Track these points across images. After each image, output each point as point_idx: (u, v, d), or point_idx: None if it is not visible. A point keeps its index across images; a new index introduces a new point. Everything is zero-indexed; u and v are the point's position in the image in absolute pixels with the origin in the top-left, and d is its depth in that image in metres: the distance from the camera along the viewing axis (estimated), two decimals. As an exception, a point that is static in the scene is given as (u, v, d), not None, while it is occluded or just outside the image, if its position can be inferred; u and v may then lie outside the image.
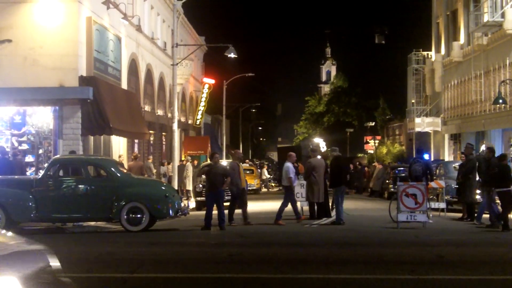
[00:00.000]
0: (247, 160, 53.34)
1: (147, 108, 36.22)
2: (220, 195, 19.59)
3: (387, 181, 35.48)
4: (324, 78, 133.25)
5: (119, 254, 13.84)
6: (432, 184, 22.28)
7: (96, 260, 12.88)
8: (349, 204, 25.25)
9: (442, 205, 22.88)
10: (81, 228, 20.28)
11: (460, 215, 21.68)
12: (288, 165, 21.12)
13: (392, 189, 31.39)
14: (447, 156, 45.41)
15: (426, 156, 25.57)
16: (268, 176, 56.83)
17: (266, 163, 66.07)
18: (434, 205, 22.41)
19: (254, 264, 12.07)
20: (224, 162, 31.87)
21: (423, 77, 54.40)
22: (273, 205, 23.85)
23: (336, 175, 20.53)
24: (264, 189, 51.00)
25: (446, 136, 47.29)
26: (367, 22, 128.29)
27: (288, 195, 20.83)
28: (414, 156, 41.15)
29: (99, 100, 24.41)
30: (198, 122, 53.14)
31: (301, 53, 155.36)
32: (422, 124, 50.19)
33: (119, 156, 26.50)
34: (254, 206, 26.59)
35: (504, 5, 34.40)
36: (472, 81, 39.68)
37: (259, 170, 51.90)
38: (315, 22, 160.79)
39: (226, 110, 59.26)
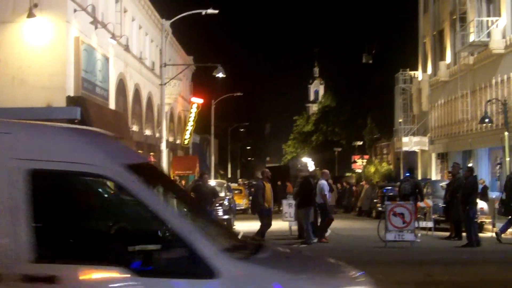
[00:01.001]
0: (240, 180, 53.23)
1: (135, 128, 36.16)
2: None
3: (375, 200, 35.51)
4: (312, 97, 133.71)
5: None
6: (420, 203, 22.34)
7: None
8: (337, 224, 25.20)
9: (430, 224, 22.90)
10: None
11: (447, 233, 21.71)
12: (323, 182, 21.02)
13: (380, 208, 31.38)
14: (434, 175, 45.55)
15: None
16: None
17: (255, 182, 65.98)
18: (421, 224, 22.44)
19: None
20: (213, 182, 31.87)
21: (410, 97, 54.64)
22: (277, 224, 23.76)
23: (305, 196, 20.58)
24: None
25: (433, 155, 47.45)
26: (354, 42, 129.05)
27: (323, 213, 20.68)
28: (402, 175, 41.27)
29: (86, 120, 24.33)
30: (186, 142, 53.08)
31: (289, 73, 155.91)
32: (410, 143, 50.37)
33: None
34: (244, 226, 26.53)
35: (490, 25, 34.72)
36: (458, 101, 39.91)
37: (247, 190, 51.83)
38: (303, 42, 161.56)
39: (214, 129, 59.25)
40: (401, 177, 39.87)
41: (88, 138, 5.97)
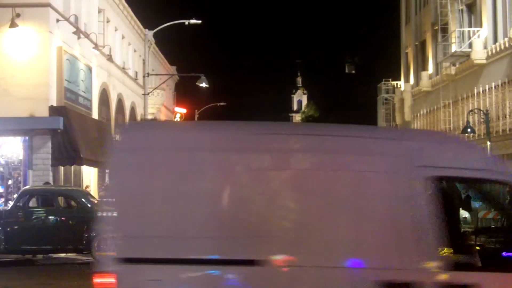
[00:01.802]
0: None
1: (118, 138, 36.00)
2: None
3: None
4: (295, 107, 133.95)
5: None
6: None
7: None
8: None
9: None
10: (51, 260, 20.01)
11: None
12: None
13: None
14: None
15: None
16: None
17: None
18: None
19: None
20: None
21: (393, 107, 54.91)
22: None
23: None
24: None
25: (416, 165, 47.65)
26: (337, 52, 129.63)
27: None
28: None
29: (69, 130, 24.28)
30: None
31: (272, 82, 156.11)
32: (393, 152, 50.49)
33: (86, 187, 26.24)
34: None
35: (471, 35, 35.02)
36: (441, 111, 40.17)
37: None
38: (286, 52, 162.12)
39: (197, 139, 59.21)
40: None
41: (479, 147, 6.44)
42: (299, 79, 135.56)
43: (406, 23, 50.37)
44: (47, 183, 22.25)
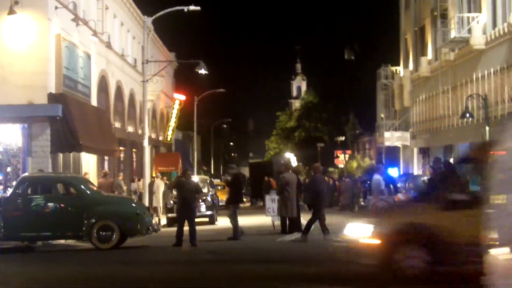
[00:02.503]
0: (223, 176, 53.19)
1: (117, 125, 36.03)
2: (192, 212, 19.55)
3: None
4: (294, 93, 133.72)
5: (89, 273, 13.71)
6: (400, 196, 22.48)
7: (67, 279, 12.74)
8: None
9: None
10: (50, 246, 20.07)
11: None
12: (378, 177, 21.02)
13: (363, 203, 31.53)
14: (416, 170, 45.81)
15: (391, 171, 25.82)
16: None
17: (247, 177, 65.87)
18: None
19: (225, 281, 12.05)
20: (196, 178, 31.84)
21: (392, 92, 54.88)
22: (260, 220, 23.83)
23: (235, 193, 20.95)
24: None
25: (415, 150, 47.70)
26: (336, 38, 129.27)
27: None
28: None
29: (68, 117, 24.26)
30: (168, 138, 52.95)
31: (271, 69, 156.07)
32: (392, 138, 50.57)
33: (85, 174, 26.25)
34: (227, 222, 26.59)
35: (470, 21, 34.92)
36: (440, 96, 40.14)
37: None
38: (285, 38, 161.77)
39: (197, 126, 59.14)
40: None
41: None
42: (298, 65, 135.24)
43: (406, 8, 50.22)
44: (41, 170, 22.22)
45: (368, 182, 22.48)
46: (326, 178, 45.62)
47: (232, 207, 20.71)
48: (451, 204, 11.03)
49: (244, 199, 56.13)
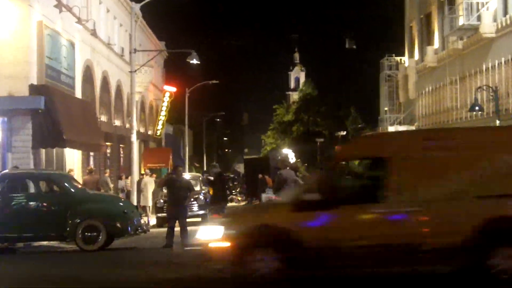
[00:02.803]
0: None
1: (103, 118, 35.93)
2: (183, 211, 19.48)
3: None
4: (292, 85, 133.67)
5: (73, 276, 13.65)
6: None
7: (48, 283, 12.68)
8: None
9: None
10: (33, 248, 19.99)
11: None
12: None
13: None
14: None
15: None
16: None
17: (231, 176, 65.92)
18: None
19: (219, 284, 12.00)
20: (188, 175, 31.77)
21: (396, 84, 54.86)
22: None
23: (218, 192, 20.94)
24: (229, 203, 50.90)
25: (421, 146, 47.69)
26: (337, 27, 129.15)
27: None
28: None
29: (51, 110, 24.15)
30: (158, 132, 52.87)
31: (268, 59, 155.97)
32: (396, 133, 50.52)
33: (70, 171, 26.15)
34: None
35: (480, 7, 34.87)
36: (447, 88, 40.14)
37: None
38: (283, 27, 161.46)
39: (189, 119, 59.04)
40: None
41: None
42: (297, 55, 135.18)
43: (410, -6, 50.19)
44: (15, 167, 21.95)
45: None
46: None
47: (215, 208, 20.70)
48: (304, 205, 11.11)
49: (239, 198, 56.30)
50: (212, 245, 11.22)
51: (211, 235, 11.30)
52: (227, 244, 11.05)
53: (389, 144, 12.05)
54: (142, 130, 48.14)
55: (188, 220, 20.01)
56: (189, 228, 19.32)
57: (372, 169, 12.48)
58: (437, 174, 11.30)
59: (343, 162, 12.52)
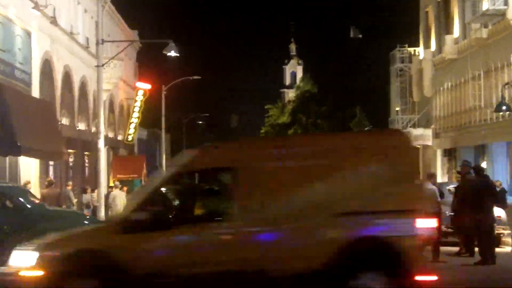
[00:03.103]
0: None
1: (65, 121, 35.87)
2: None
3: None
4: (288, 81, 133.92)
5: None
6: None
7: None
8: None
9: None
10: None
11: (456, 249, 21.86)
12: (433, 187, 21.01)
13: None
14: (440, 176, 45.94)
15: None
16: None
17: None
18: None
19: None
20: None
21: (409, 79, 54.95)
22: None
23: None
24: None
25: (439, 152, 47.79)
26: (340, 13, 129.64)
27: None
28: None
29: (3, 111, 24.08)
30: (130, 138, 52.81)
31: (259, 51, 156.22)
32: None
33: (26, 183, 26.02)
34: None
35: (506, -10, 35.00)
36: (469, 84, 40.22)
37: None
38: (277, 13, 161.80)
39: (166, 122, 58.99)
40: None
41: None
42: (293, 47, 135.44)
43: (426, -26, 50.37)
44: None
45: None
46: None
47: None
48: (132, 226, 11.13)
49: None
50: (23, 273, 11.05)
51: (23, 261, 11.15)
52: (40, 272, 10.93)
53: (238, 152, 12.11)
54: (111, 135, 48.08)
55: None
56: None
57: (219, 182, 12.55)
58: (291, 188, 11.41)
59: (192, 173, 12.43)
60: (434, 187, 21.13)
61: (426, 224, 11.52)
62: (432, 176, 22.38)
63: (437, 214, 20.43)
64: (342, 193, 11.41)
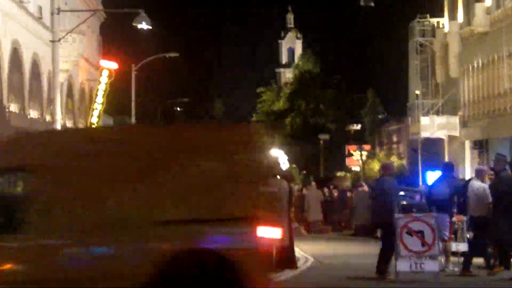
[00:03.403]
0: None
1: (13, 107, 35.78)
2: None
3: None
4: (285, 59, 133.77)
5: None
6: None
7: None
8: (324, 248, 25.26)
9: (463, 246, 23.04)
10: None
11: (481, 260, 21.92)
12: (482, 185, 21.04)
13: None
14: (469, 173, 45.99)
15: None
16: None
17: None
18: (452, 246, 22.57)
19: None
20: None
21: (432, 57, 54.96)
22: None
23: None
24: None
25: (467, 144, 47.84)
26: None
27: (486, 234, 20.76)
28: (421, 173, 41.31)
29: None
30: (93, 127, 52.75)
31: (250, 23, 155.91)
32: (432, 126, 50.64)
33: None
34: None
35: None
36: (503, 62, 40.25)
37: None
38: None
39: (137, 109, 58.89)
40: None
41: None
42: (290, 17, 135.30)
43: None
44: None
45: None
46: (331, 187, 45.78)
47: None
48: None
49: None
50: None
51: None
52: None
53: (32, 148, 11.90)
54: (69, 124, 47.96)
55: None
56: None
57: (17, 185, 12.44)
58: (98, 193, 11.27)
59: None
60: (484, 184, 21.15)
61: (269, 233, 11.32)
62: (485, 172, 22.28)
63: (484, 219, 20.56)
64: (163, 198, 11.18)
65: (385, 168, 21.82)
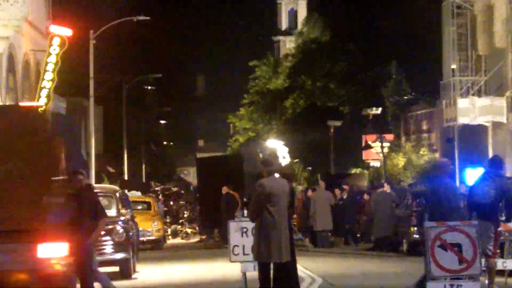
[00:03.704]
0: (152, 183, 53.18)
1: None
2: (86, 254, 19.42)
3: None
4: (284, 24, 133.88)
5: None
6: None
7: None
8: (335, 266, 25.42)
9: (511, 263, 23.15)
10: None
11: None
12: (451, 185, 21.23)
13: (417, 236, 31.66)
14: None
15: None
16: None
17: (174, 189, 66.04)
18: (498, 263, 22.68)
19: None
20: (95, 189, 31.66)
21: (471, 24, 55.08)
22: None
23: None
24: (172, 239, 51.16)
25: (517, 133, 48.04)
26: None
27: None
28: (459, 170, 41.48)
29: None
30: (41, 110, 52.79)
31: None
32: (472, 110, 50.78)
33: None
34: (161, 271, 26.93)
35: None
36: None
37: (161, 204, 51.83)
38: None
39: (96, 87, 58.91)
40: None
41: None
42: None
43: None
44: None
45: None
46: (344, 188, 45.82)
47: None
48: None
49: (189, 229, 56.43)
50: None
51: None
52: None
53: None
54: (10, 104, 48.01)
55: (98, 269, 19.98)
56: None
57: None
58: None
59: None
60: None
61: (54, 250, 11.12)
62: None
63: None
64: None
65: (439, 168, 21.73)
